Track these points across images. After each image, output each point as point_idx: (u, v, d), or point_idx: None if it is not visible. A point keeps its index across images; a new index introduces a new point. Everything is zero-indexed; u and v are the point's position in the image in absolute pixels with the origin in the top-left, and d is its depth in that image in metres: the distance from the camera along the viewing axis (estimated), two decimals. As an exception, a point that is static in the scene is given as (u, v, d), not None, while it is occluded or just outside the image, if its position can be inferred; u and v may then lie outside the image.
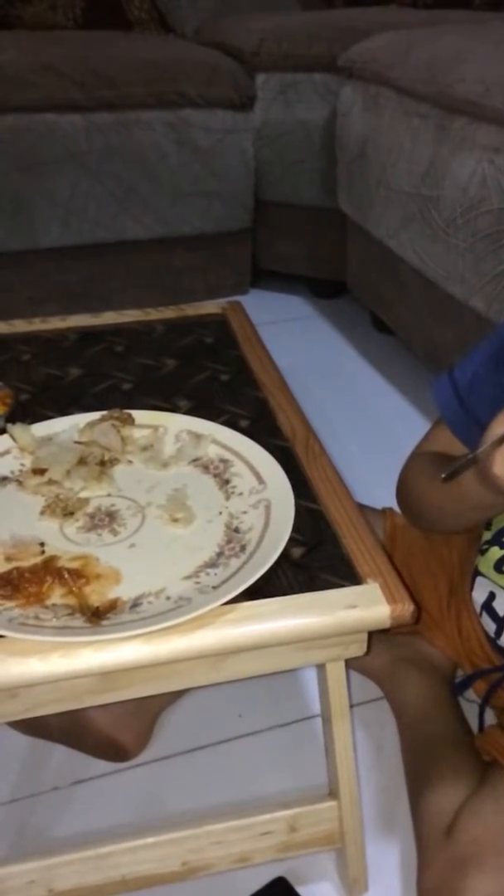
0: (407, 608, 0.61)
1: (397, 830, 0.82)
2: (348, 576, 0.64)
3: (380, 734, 0.91)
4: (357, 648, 0.65)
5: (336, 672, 0.68)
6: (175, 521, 0.70)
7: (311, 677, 0.97)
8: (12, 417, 0.82)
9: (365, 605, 0.61)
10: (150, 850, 0.69)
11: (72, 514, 0.71)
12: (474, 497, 0.68)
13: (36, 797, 0.85)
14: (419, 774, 0.78)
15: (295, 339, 1.83)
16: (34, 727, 0.87)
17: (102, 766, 0.87)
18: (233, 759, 0.89)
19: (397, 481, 0.86)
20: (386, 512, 0.97)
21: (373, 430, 1.50)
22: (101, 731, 0.82)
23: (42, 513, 0.71)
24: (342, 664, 0.68)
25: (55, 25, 2.05)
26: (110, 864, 0.68)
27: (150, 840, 0.69)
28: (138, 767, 0.88)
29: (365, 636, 0.64)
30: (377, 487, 0.98)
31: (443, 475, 0.63)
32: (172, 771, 0.88)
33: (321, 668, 0.69)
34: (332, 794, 0.73)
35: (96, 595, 0.62)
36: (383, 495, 0.96)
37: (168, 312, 1.13)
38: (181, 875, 0.71)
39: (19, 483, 0.75)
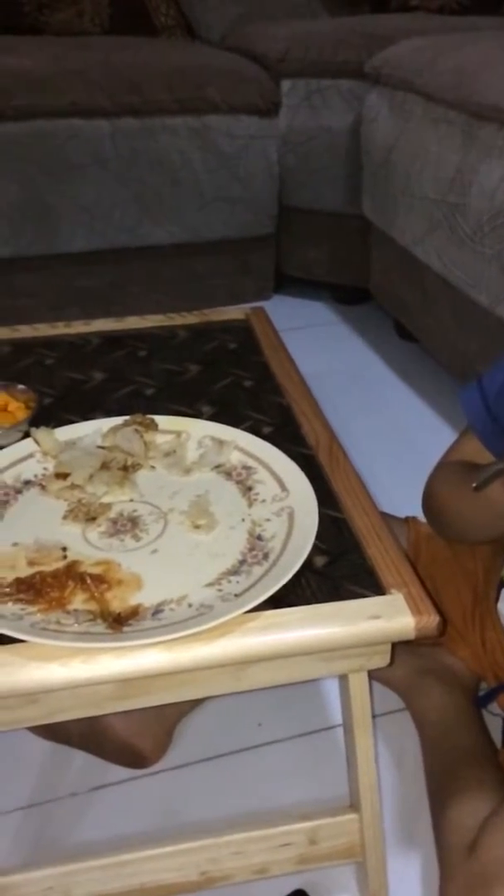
0: (432, 620, 0.60)
1: (419, 844, 0.81)
2: (372, 586, 0.64)
3: (401, 746, 0.90)
4: (380, 660, 0.64)
5: (358, 683, 0.67)
6: (197, 527, 0.70)
7: (331, 687, 0.96)
8: (35, 421, 0.82)
9: (389, 616, 0.60)
10: (168, 859, 0.68)
11: (94, 519, 0.71)
12: (502, 506, 0.67)
13: (54, 802, 0.85)
14: (441, 788, 0.77)
15: (317, 346, 1.82)
16: (54, 732, 0.87)
17: (121, 772, 0.86)
18: (252, 768, 0.89)
19: (423, 491, 0.85)
20: (409, 521, 0.96)
21: (395, 438, 1.49)
22: (121, 738, 0.81)
23: (65, 517, 0.71)
24: (365, 675, 0.67)
25: (82, 32, 2.06)
26: (129, 873, 0.68)
27: (168, 849, 0.69)
28: (157, 775, 0.87)
29: (388, 647, 0.64)
30: (399, 496, 0.98)
31: (474, 484, 0.62)
32: (191, 779, 0.88)
33: (343, 678, 0.69)
34: (354, 806, 0.72)
35: (118, 601, 0.62)
36: (406, 504, 0.96)
37: (191, 318, 1.12)
38: (199, 885, 0.70)
39: (42, 487, 0.75)
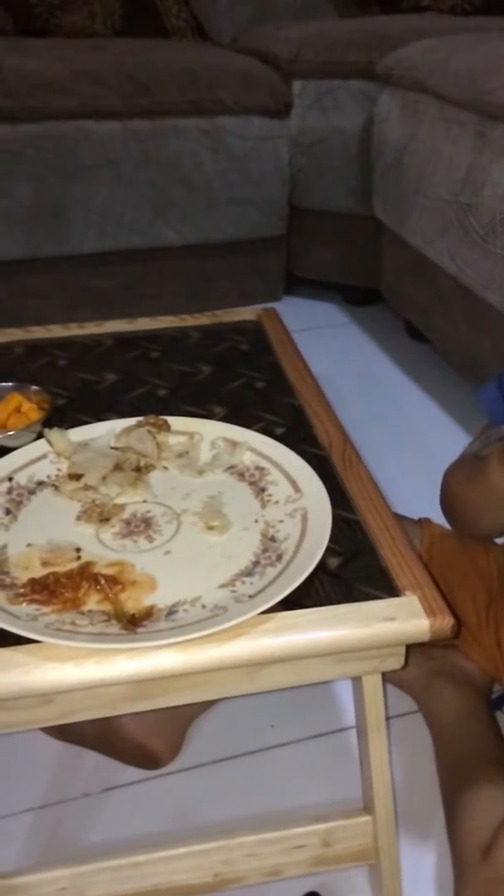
0: (447, 622, 0.60)
1: (432, 846, 0.80)
2: (386, 587, 0.63)
3: (415, 748, 0.90)
4: (394, 661, 0.64)
5: (372, 685, 0.67)
6: (211, 528, 0.70)
7: (343, 688, 0.96)
8: (49, 422, 0.82)
9: (404, 618, 0.60)
10: (182, 861, 0.68)
11: (108, 519, 0.71)
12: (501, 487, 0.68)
13: (67, 803, 0.85)
14: (455, 791, 0.77)
15: (328, 347, 1.82)
16: (67, 732, 0.87)
17: (134, 773, 0.86)
18: (264, 769, 0.89)
19: (441, 484, 0.85)
20: (422, 522, 0.96)
21: (406, 439, 1.49)
22: (134, 739, 0.81)
23: (78, 518, 0.71)
24: (378, 677, 0.67)
25: (94, 33, 2.06)
26: (143, 874, 0.68)
27: (182, 850, 0.69)
28: (169, 776, 0.87)
29: (402, 649, 0.63)
30: (411, 497, 0.98)
31: (471, 450, 0.62)
32: (204, 780, 0.87)
33: (357, 680, 0.69)
34: (367, 808, 0.72)
35: (132, 602, 0.62)
36: (418, 505, 0.95)
37: (203, 318, 1.12)
38: (213, 886, 0.70)
39: (56, 488, 0.75)
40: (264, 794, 0.86)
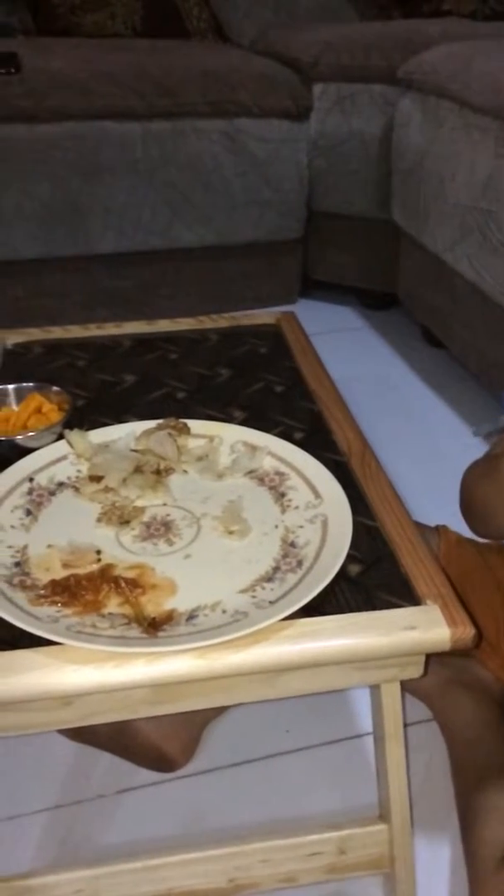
0: (468, 632, 0.60)
1: (447, 855, 0.80)
2: (407, 596, 0.63)
3: (431, 756, 0.90)
4: (414, 670, 0.64)
5: (391, 693, 0.67)
6: (230, 533, 0.70)
7: (358, 695, 0.96)
8: (69, 423, 0.82)
9: (424, 627, 0.60)
10: (197, 865, 0.68)
11: (128, 522, 0.71)
12: None
13: (80, 804, 0.85)
14: (470, 801, 0.77)
15: (343, 351, 1.81)
16: (82, 733, 0.87)
17: (148, 775, 0.86)
18: (279, 774, 0.89)
19: (460, 485, 0.85)
20: (440, 530, 0.96)
21: (422, 445, 1.48)
22: (149, 741, 0.81)
23: (98, 520, 0.71)
24: (397, 685, 0.67)
25: (114, 34, 2.07)
26: (158, 877, 0.68)
27: (197, 854, 0.69)
28: (184, 779, 0.87)
29: (422, 658, 0.63)
30: (425, 503, 0.97)
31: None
32: (218, 784, 0.87)
33: (375, 688, 0.68)
34: (383, 817, 0.71)
35: (152, 605, 0.62)
36: (433, 512, 0.95)
37: (221, 321, 1.12)
38: (227, 892, 0.70)
39: (76, 489, 0.75)
40: (278, 799, 0.86)
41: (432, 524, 0.97)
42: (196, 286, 1.88)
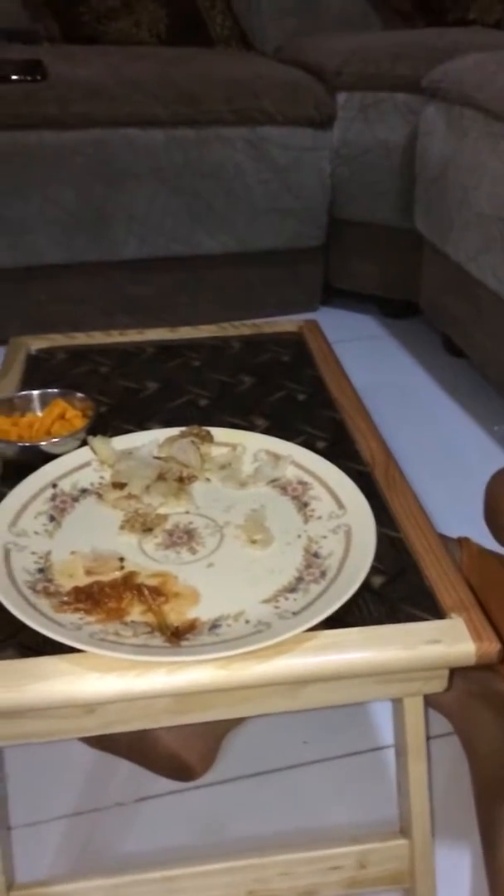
0: (493, 647, 0.59)
1: (468, 870, 0.79)
2: (431, 608, 0.63)
3: (453, 770, 0.89)
4: (438, 684, 0.63)
5: (414, 707, 0.66)
6: (254, 542, 0.69)
7: (378, 706, 0.95)
8: (92, 430, 0.83)
9: (449, 641, 0.59)
10: (216, 877, 0.68)
11: (150, 529, 0.71)
12: None
13: (99, 812, 0.85)
14: (492, 819, 0.76)
15: (364, 359, 1.80)
16: (101, 741, 0.86)
17: (166, 784, 0.86)
18: (297, 786, 0.88)
19: (485, 492, 0.85)
20: (462, 541, 0.95)
21: (443, 455, 1.48)
22: (168, 750, 0.81)
23: (121, 527, 0.71)
24: (420, 699, 0.66)
25: (139, 41, 2.08)
26: (177, 888, 0.67)
27: (217, 866, 0.68)
28: (202, 788, 0.87)
29: (446, 672, 0.63)
30: (447, 514, 0.96)
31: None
32: (236, 794, 0.87)
33: (398, 702, 0.68)
34: (404, 832, 0.71)
35: (175, 614, 0.62)
36: (454, 523, 0.94)
37: (244, 329, 1.13)
38: (245, 904, 0.70)
39: (99, 496, 0.75)
40: (297, 811, 0.85)
41: (454, 535, 0.96)
42: (217, 293, 1.88)
